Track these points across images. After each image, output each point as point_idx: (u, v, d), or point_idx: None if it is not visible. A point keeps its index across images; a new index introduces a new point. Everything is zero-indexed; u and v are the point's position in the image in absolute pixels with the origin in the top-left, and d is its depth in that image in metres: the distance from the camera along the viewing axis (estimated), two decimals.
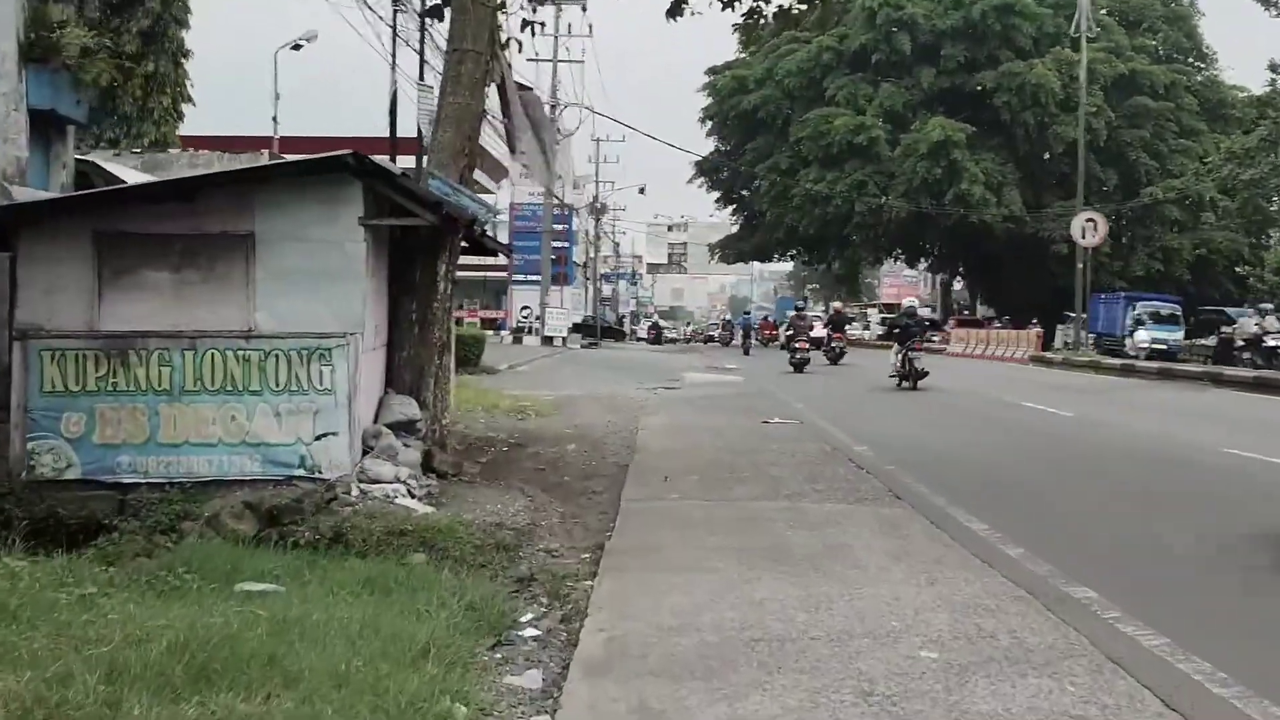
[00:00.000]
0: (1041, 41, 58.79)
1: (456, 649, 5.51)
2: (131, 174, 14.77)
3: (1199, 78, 62.51)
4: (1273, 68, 47.79)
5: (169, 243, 9.50)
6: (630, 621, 6.19)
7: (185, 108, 31.58)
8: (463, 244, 12.29)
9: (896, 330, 25.97)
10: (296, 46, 38.49)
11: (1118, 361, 32.82)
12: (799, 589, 6.85)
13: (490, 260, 49.65)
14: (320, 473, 9.39)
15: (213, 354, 9.43)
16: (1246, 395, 24.19)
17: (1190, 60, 63.92)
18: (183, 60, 31.11)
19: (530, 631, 6.38)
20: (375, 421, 10.41)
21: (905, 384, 24.56)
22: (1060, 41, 58.25)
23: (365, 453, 9.86)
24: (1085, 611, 6.35)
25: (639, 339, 77.67)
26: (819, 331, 36.35)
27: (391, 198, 9.94)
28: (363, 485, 9.41)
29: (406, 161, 20.74)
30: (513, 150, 14.18)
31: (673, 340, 79.20)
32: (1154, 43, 62.55)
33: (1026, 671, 5.24)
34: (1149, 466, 12.93)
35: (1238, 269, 61.03)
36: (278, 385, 9.44)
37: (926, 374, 24.82)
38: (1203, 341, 37.16)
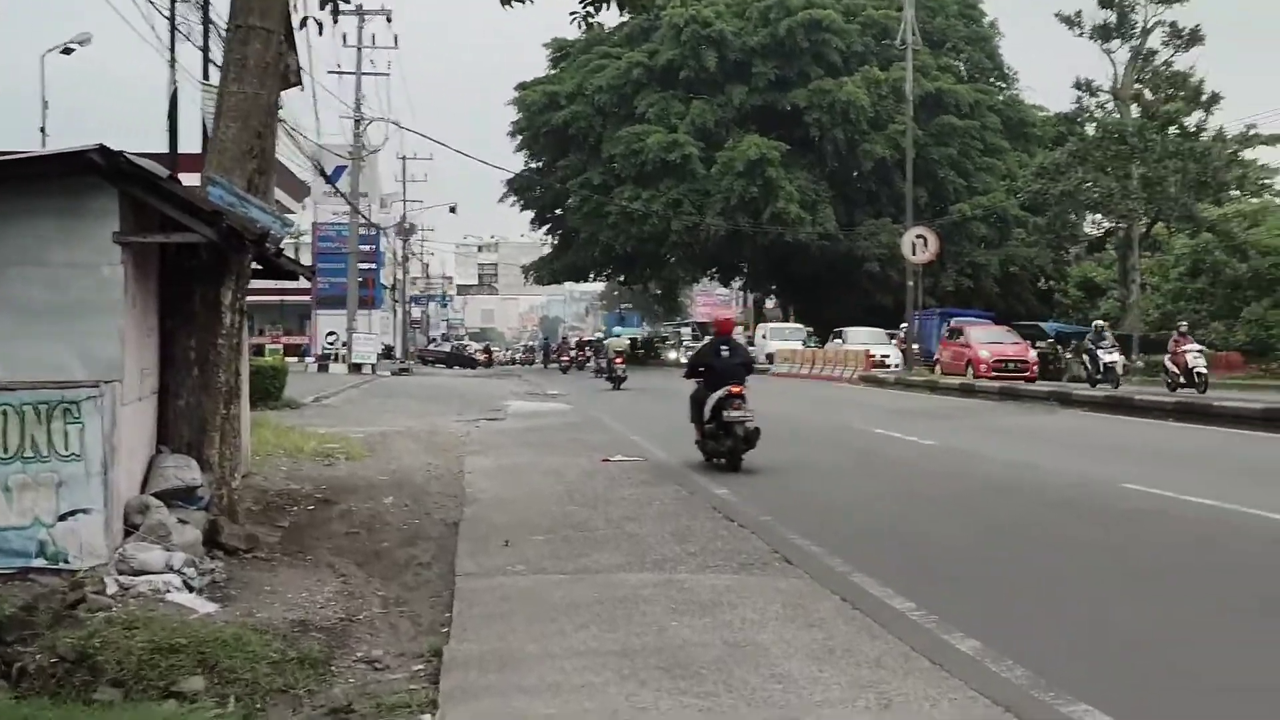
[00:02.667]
0: (851, 59, 58.95)
1: None
2: None
3: (1001, 97, 63.74)
4: (1077, 85, 48.77)
5: None
6: None
7: None
8: (255, 265, 10.21)
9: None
10: (67, 50, 35.08)
11: (956, 381, 32.12)
12: None
13: (293, 283, 46.77)
14: (67, 562, 7.26)
15: None
16: (1102, 416, 23.46)
17: (992, 80, 65.15)
18: None
19: None
20: (142, 490, 8.27)
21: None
22: (869, 60, 58.55)
23: (129, 533, 7.73)
24: None
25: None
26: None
27: (159, 209, 7.86)
28: (123, 579, 7.28)
29: (193, 180, 18.22)
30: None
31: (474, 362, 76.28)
32: (958, 63, 63.47)
33: None
34: (1064, 511, 11.59)
35: (1040, 284, 62.37)
36: (7, 450, 7.29)
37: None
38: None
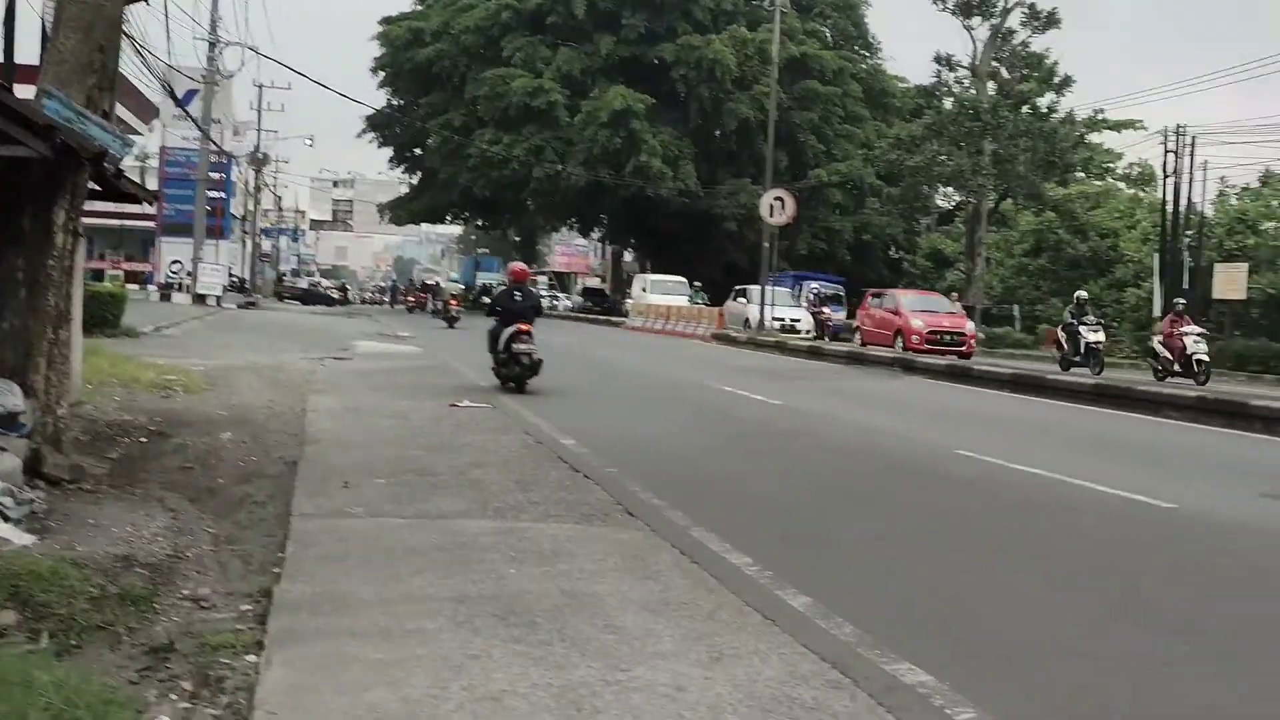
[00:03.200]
0: (720, 17, 59.08)
1: None
2: None
3: (864, 65, 64.58)
4: (937, 59, 49.75)
5: None
6: None
7: None
8: (93, 186, 9.76)
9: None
10: None
11: (804, 343, 32.57)
12: (546, 672, 5.06)
13: (137, 208, 45.01)
14: None
15: None
16: (943, 384, 24.02)
17: (856, 48, 65.93)
18: None
19: None
20: None
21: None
22: (737, 20, 58.72)
23: None
24: (933, 711, 4.87)
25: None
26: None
27: None
28: None
29: (29, 93, 17.26)
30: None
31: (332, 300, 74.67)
32: (824, 29, 64.03)
33: None
34: (901, 474, 11.84)
35: (891, 253, 63.71)
36: None
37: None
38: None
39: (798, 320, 41.40)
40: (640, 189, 55.27)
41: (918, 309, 32.73)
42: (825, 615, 6.12)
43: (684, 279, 51.13)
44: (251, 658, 5.34)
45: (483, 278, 77.48)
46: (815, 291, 46.64)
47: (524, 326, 17.41)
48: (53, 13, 9.70)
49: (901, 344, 30.82)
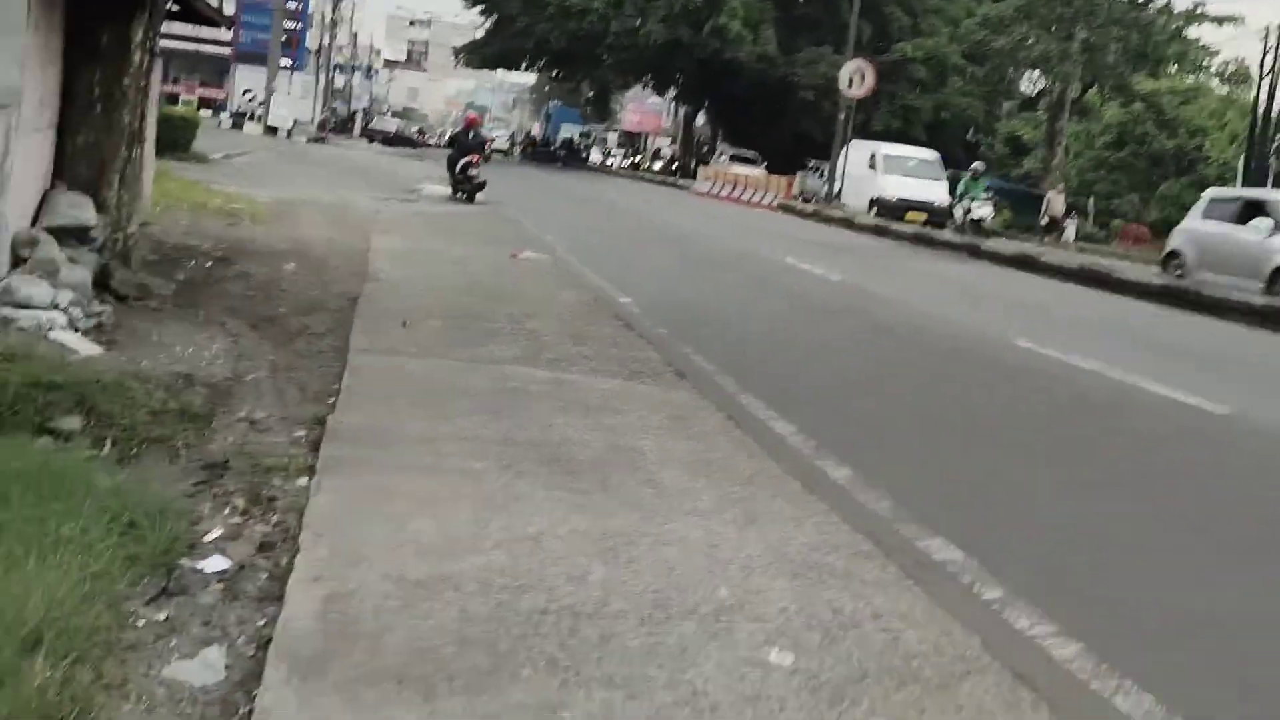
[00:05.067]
0: None
1: (91, 620, 3.62)
2: None
3: None
4: None
5: None
6: (359, 567, 4.40)
7: None
8: (171, 6, 9.77)
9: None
10: None
11: (872, 220, 32.16)
12: (585, 518, 5.19)
13: (212, 32, 44.93)
14: None
15: None
16: (1008, 271, 23.69)
17: None
18: None
19: (215, 564, 4.50)
20: (34, 224, 8.04)
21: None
22: None
23: (15, 266, 7.53)
24: (960, 587, 4.95)
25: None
26: None
27: None
28: (7, 310, 7.13)
29: None
30: None
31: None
32: None
33: (925, 703, 3.77)
34: (957, 359, 11.82)
35: (969, 136, 62.39)
36: None
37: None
38: None
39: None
40: (718, 51, 54.36)
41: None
42: (863, 489, 6.20)
43: (757, 154, 50.39)
44: (302, 481, 5.50)
45: (567, 130, 76.95)
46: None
47: (474, 158, 25.91)
48: None
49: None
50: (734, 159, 49.23)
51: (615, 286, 13.35)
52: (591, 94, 75.66)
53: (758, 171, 46.02)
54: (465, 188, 25.58)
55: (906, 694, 3.81)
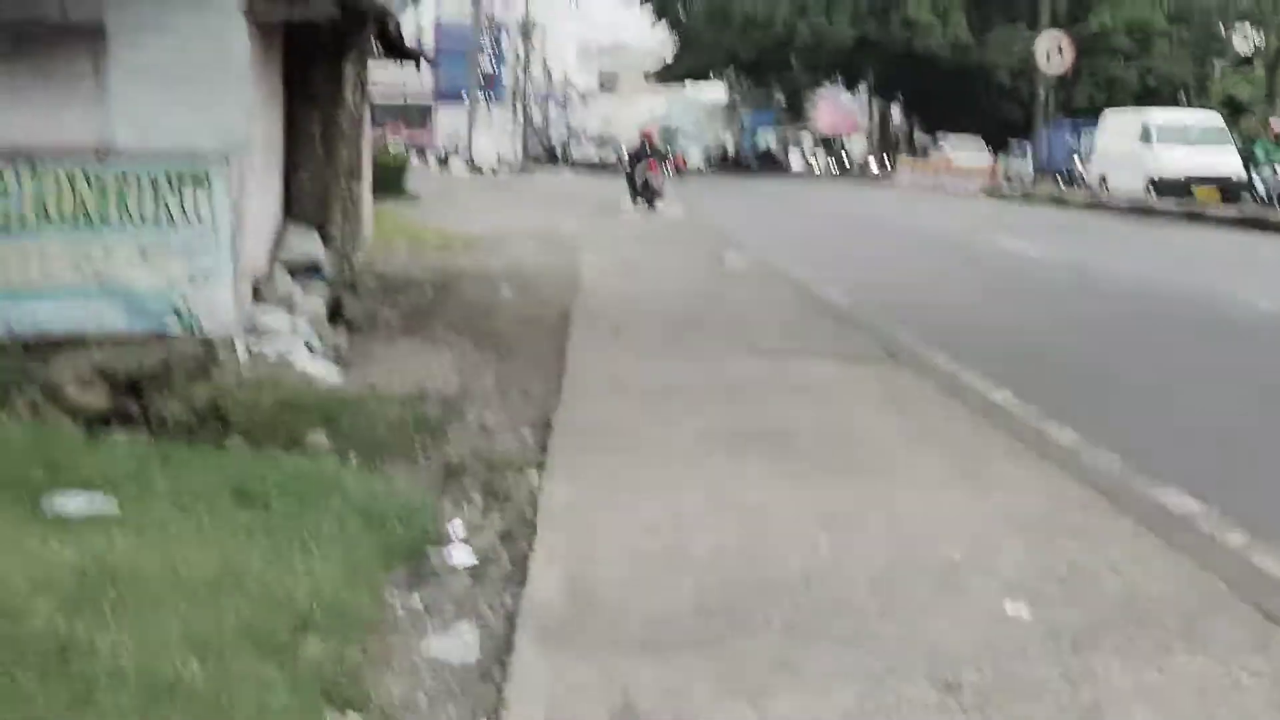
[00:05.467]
0: None
1: (355, 604, 3.88)
2: None
3: None
4: None
5: None
6: (595, 548, 4.58)
7: None
8: (377, 48, 10.29)
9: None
10: None
11: (1081, 196, 30.97)
12: (811, 493, 5.27)
13: (415, 79, 46.76)
14: (198, 326, 7.58)
15: (57, 176, 7.47)
16: (1234, 234, 22.49)
17: None
18: None
19: (460, 556, 4.75)
20: (269, 261, 8.58)
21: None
22: None
23: (256, 300, 8.05)
24: (1197, 533, 4.83)
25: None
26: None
27: None
28: (251, 341, 7.62)
29: None
30: None
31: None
32: None
33: (1171, 644, 3.70)
34: (1185, 325, 11.36)
35: (1181, 99, 59.63)
36: (142, 216, 7.53)
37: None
38: None
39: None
40: (908, 42, 53.48)
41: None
42: (1091, 449, 6.08)
43: (980, 138, 48.67)
44: (534, 476, 5.74)
45: (762, 138, 76.84)
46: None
47: (653, 166, 27.07)
48: None
49: None
50: (954, 148, 47.34)
51: (822, 280, 13.32)
52: (783, 99, 75.51)
53: (982, 158, 44.20)
54: (645, 195, 26.89)
55: (1150, 637, 3.75)
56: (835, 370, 8.15)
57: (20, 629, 3.32)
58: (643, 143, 28.75)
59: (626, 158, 31.22)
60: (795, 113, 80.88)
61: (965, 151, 43.83)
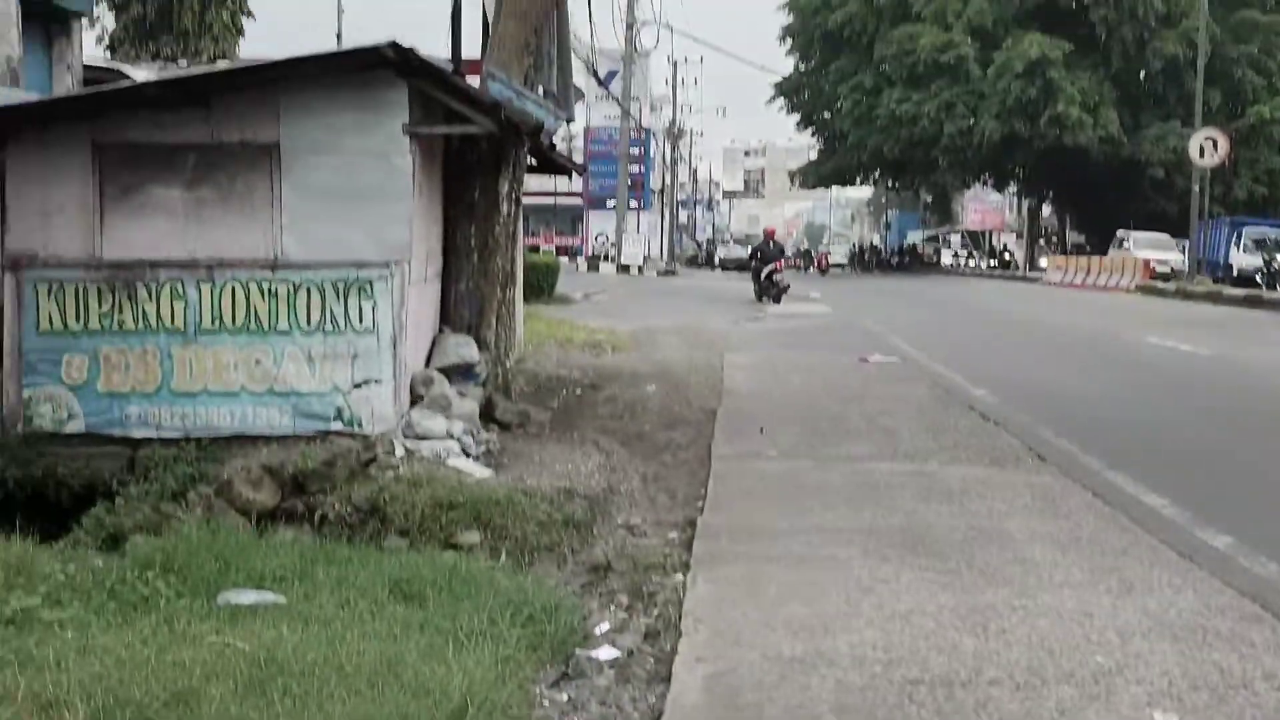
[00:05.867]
0: None
1: (505, 699, 4.03)
2: None
3: None
4: None
5: (181, 155, 8.08)
6: (738, 647, 4.67)
7: (245, 22, 30.33)
8: (530, 160, 10.71)
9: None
10: None
11: (1241, 292, 30.17)
12: (953, 596, 5.28)
13: (564, 185, 48.04)
14: (360, 427, 7.97)
15: (234, 286, 8.01)
16: None
17: None
18: None
19: (606, 653, 4.89)
20: (426, 365, 8.96)
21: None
22: None
23: (414, 403, 8.41)
24: None
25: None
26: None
27: (443, 101, 8.39)
28: (409, 442, 7.97)
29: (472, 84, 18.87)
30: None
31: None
32: None
33: None
34: None
35: None
36: (309, 323, 8.01)
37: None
38: None
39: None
40: (1057, 139, 52.97)
41: None
42: (1248, 554, 5.96)
43: (1168, 236, 46.78)
44: (679, 577, 5.86)
45: (911, 236, 76.54)
46: (1264, 237, 42.39)
47: (777, 265, 29.33)
48: (494, 3, 10.70)
49: None
50: (1144, 244, 45.13)
51: (968, 379, 13.25)
52: (929, 199, 75.33)
53: (1172, 254, 42.62)
54: (771, 292, 28.64)
55: None
56: (981, 472, 8.11)
57: (197, 714, 3.55)
58: (766, 241, 30.79)
59: (751, 253, 33.59)
60: (941, 210, 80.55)
61: (1153, 250, 42.32)
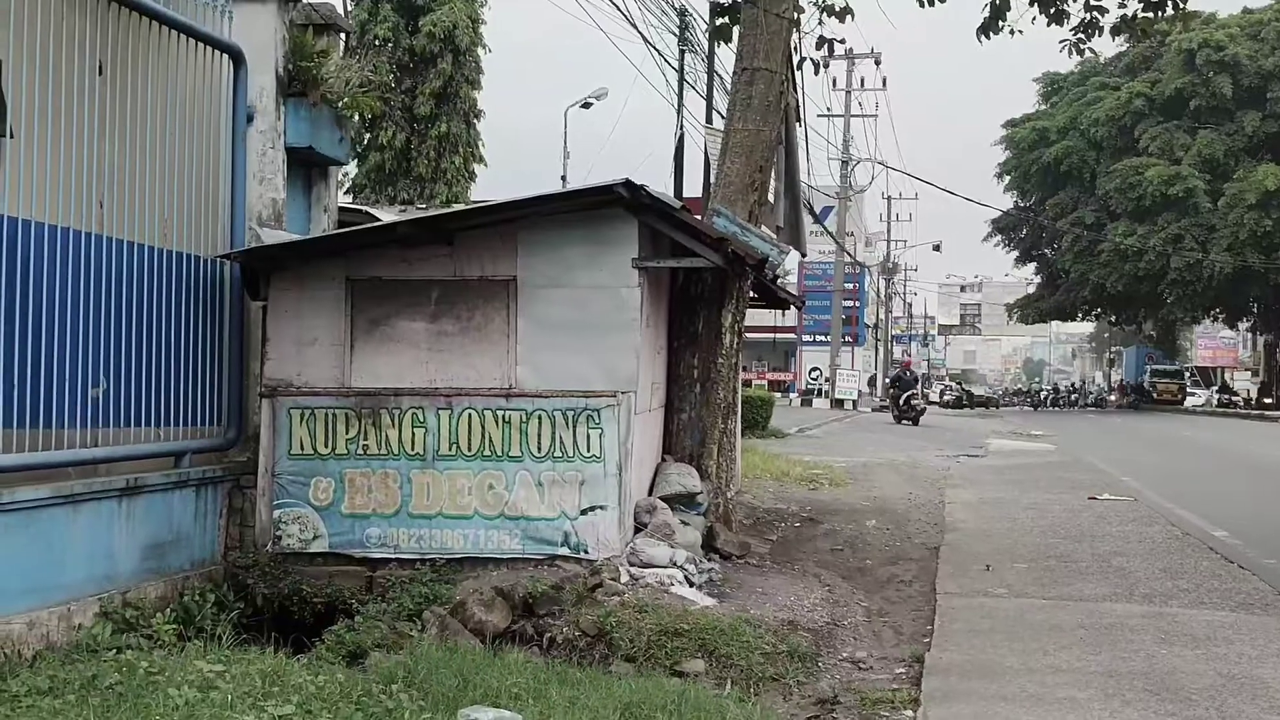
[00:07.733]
0: None
1: None
2: None
3: None
4: None
5: (425, 289, 8.53)
6: None
7: (477, 168, 31.88)
8: (751, 293, 10.89)
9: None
10: (586, 104, 38.40)
11: None
12: None
13: (778, 320, 48.31)
14: (586, 552, 8.12)
15: (470, 414, 8.34)
16: None
17: None
18: (474, 120, 31.47)
19: None
20: (650, 493, 9.09)
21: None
22: None
23: (637, 530, 8.53)
24: None
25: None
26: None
27: (670, 236, 8.66)
28: (633, 569, 8.06)
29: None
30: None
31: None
32: None
33: None
34: None
35: None
36: (540, 451, 8.25)
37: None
38: None
39: None
40: None
41: None
42: None
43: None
44: (908, 713, 5.76)
45: (1135, 370, 73.93)
46: None
47: (914, 391, 35.11)
48: (719, 143, 11.04)
49: None
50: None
51: (1207, 521, 12.64)
52: (1153, 334, 72.68)
53: None
54: (909, 415, 33.99)
55: None
56: (1227, 616, 7.72)
57: None
58: (901, 371, 36.87)
59: (892, 380, 39.65)
60: (1168, 346, 77.54)
61: None
